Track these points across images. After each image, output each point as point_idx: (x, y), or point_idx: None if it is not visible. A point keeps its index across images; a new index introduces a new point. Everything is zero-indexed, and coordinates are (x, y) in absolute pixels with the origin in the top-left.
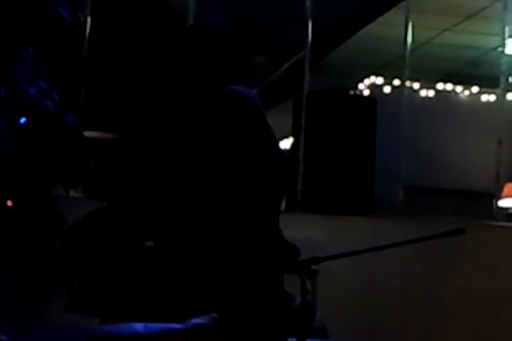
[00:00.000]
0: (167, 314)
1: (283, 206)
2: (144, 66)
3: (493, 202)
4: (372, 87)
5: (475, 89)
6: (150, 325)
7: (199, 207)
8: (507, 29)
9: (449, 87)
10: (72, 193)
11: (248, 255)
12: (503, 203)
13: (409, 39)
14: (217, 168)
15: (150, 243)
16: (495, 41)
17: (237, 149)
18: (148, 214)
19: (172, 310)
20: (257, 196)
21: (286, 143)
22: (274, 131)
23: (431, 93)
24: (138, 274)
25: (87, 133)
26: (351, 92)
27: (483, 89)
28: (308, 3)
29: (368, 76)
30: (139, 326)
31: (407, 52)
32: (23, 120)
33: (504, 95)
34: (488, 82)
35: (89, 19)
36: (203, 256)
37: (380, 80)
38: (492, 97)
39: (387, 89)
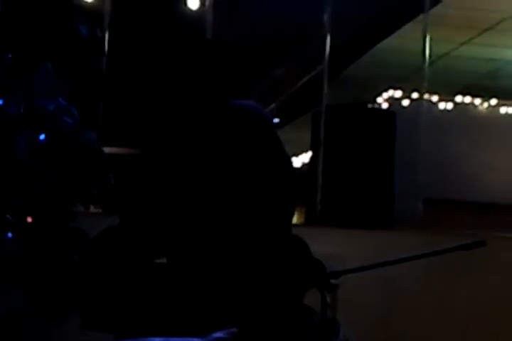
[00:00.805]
0: (187, 329)
1: (303, 219)
2: (159, 81)
3: None
4: (391, 100)
5: (493, 101)
6: (170, 339)
7: (211, 221)
8: None
9: (468, 99)
10: (92, 209)
11: (268, 268)
12: None
13: (428, 52)
14: (227, 181)
15: (164, 260)
16: None
17: (246, 162)
18: (162, 229)
19: (192, 324)
20: (268, 208)
21: (305, 157)
22: (284, 145)
23: (449, 106)
24: (156, 289)
25: (105, 149)
26: (370, 106)
27: (502, 101)
28: (326, 17)
29: (386, 89)
30: (158, 340)
31: (426, 65)
32: (42, 136)
33: None
34: (507, 94)
35: (107, 35)
36: (222, 270)
37: (398, 93)
38: (511, 109)
39: (405, 102)
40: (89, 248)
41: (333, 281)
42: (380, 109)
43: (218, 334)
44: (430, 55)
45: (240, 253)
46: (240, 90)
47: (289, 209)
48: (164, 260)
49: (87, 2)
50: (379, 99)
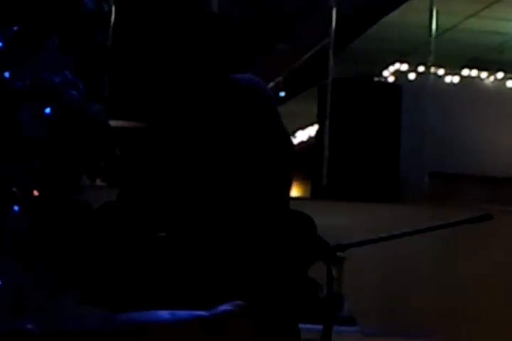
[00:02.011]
0: (193, 302)
1: (309, 192)
2: (159, 54)
3: None
4: (397, 73)
5: (500, 75)
6: (176, 312)
7: (212, 195)
8: None
9: (474, 73)
10: (98, 182)
11: (272, 242)
12: None
13: (434, 25)
14: (225, 155)
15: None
16: None
17: (244, 136)
18: (162, 204)
19: (198, 298)
20: (266, 182)
21: (311, 130)
22: (283, 119)
23: (456, 79)
24: (160, 263)
25: (112, 123)
26: (376, 79)
27: (508, 75)
28: None
29: (392, 63)
30: (164, 314)
31: (432, 39)
32: (48, 110)
33: None
34: None
35: (113, 8)
36: (226, 244)
37: (404, 67)
38: None
39: (411, 76)
40: (89, 223)
41: (339, 254)
42: (385, 83)
43: (224, 307)
44: (436, 29)
45: (243, 227)
46: (240, 63)
47: (286, 182)
48: (163, 234)
49: None
50: (385, 73)
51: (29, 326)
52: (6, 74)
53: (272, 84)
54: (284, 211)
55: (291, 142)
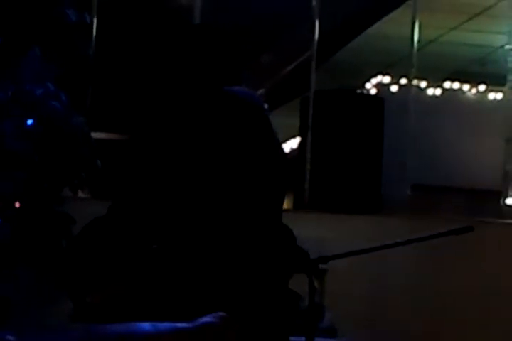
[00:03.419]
0: (175, 314)
1: (291, 204)
2: (148, 66)
3: (501, 200)
4: (379, 85)
5: (482, 87)
6: (157, 324)
7: (202, 208)
8: None
9: (456, 85)
10: (80, 194)
11: (254, 254)
12: (510, 201)
13: (416, 37)
14: (218, 168)
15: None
16: (502, 39)
17: (238, 149)
18: (152, 215)
19: (179, 309)
20: (259, 195)
21: (293, 143)
22: (276, 132)
23: (438, 91)
24: (144, 275)
25: (94, 135)
26: (358, 91)
27: (491, 87)
28: (315, 3)
29: (375, 75)
30: (146, 325)
31: (414, 51)
32: (30, 121)
33: (511, 93)
34: (495, 80)
35: (95, 20)
36: (209, 256)
37: (387, 79)
38: (499, 95)
39: (394, 88)
40: (78, 239)
41: (321, 266)
42: (368, 95)
43: (206, 319)
44: (419, 41)
45: (227, 240)
46: (232, 76)
47: (279, 195)
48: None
49: None
50: (367, 85)
51: (9, 337)
52: None
53: None
54: (274, 224)
55: (285, 155)
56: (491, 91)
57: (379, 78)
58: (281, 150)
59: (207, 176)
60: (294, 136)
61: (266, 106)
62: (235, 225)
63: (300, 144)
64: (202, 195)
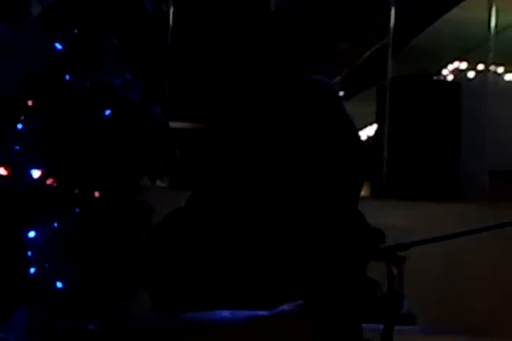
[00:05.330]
0: (254, 303)
1: (369, 192)
2: (225, 55)
3: None
4: (456, 71)
5: None
6: (237, 312)
7: (280, 195)
8: None
9: None
10: (158, 183)
11: (332, 241)
12: None
13: (493, 22)
14: (299, 156)
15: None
16: None
17: (320, 138)
18: (232, 205)
19: (259, 298)
20: (338, 183)
21: (370, 130)
22: (353, 120)
23: None
24: (222, 265)
25: (171, 124)
26: (435, 78)
27: None
28: None
29: (451, 61)
30: (226, 313)
31: (491, 36)
32: (108, 111)
33: None
34: None
35: (171, 9)
36: (286, 244)
37: (463, 65)
38: None
39: (471, 74)
40: (159, 229)
41: (399, 253)
42: (445, 81)
43: (285, 307)
44: (496, 26)
45: (305, 228)
46: (309, 64)
47: (357, 184)
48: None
49: None
50: (444, 71)
51: (90, 326)
52: (67, 77)
53: None
54: (351, 211)
55: (362, 143)
56: None
57: (456, 64)
58: (359, 138)
59: (286, 163)
60: (370, 124)
61: (342, 93)
62: (313, 212)
63: (377, 131)
64: (279, 182)
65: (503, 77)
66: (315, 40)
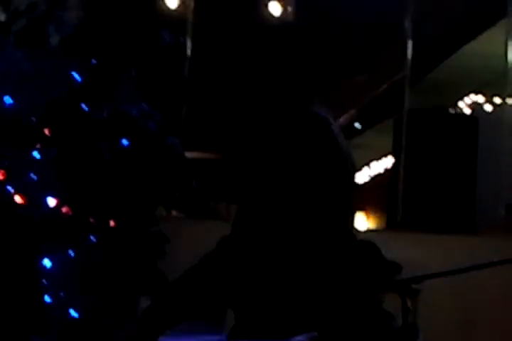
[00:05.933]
0: (269, 333)
1: (384, 224)
2: (241, 87)
3: None
4: (473, 105)
5: None
6: None
7: (288, 225)
8: None
9: None
10: (174, 213)
11: (348, 273)
12: None
13: (510, 56)
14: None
15: None
16: None
17: (320, 172)
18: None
19: (274, 328)
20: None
21: (386, 162)
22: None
23: None
24: (243, 295)
25: (187, 154)
26: (451, 110)
27: None
28: (407, 23)
29: (467, 94)
30: None
31: (509, 69)
32: (125, 141)
33: None
34: None
35: (189, 41)
36: (303, 275)
37: (480, 98)
38: None
39: (488, 107)
40: (211, 259)
41: (414, 286)
42: (462, 114)
43: (299, 338)
44: None
45: (318, 260)
46: (312, 97)
47: (345, 214)
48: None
49: (170, 9)
50: (461, 104)
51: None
52: (85, 107)
53: (345, 116)
54: (350, 240)
55: (353, 180)
56: None
57: (472, 97)
58: (348, 165)
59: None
60: (386, 155)
61: (358, 125)
62: (322, 243)
63: (394, 163)
64: (293, 213)
65: None
66: (318, 76)
